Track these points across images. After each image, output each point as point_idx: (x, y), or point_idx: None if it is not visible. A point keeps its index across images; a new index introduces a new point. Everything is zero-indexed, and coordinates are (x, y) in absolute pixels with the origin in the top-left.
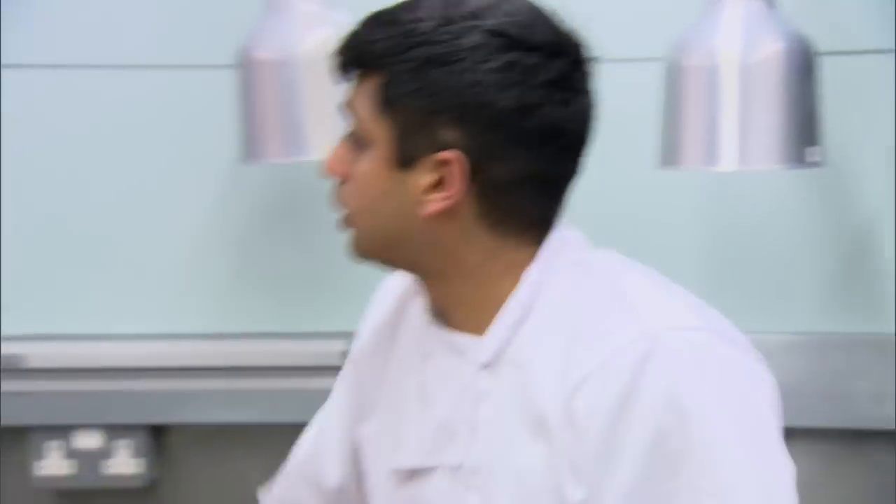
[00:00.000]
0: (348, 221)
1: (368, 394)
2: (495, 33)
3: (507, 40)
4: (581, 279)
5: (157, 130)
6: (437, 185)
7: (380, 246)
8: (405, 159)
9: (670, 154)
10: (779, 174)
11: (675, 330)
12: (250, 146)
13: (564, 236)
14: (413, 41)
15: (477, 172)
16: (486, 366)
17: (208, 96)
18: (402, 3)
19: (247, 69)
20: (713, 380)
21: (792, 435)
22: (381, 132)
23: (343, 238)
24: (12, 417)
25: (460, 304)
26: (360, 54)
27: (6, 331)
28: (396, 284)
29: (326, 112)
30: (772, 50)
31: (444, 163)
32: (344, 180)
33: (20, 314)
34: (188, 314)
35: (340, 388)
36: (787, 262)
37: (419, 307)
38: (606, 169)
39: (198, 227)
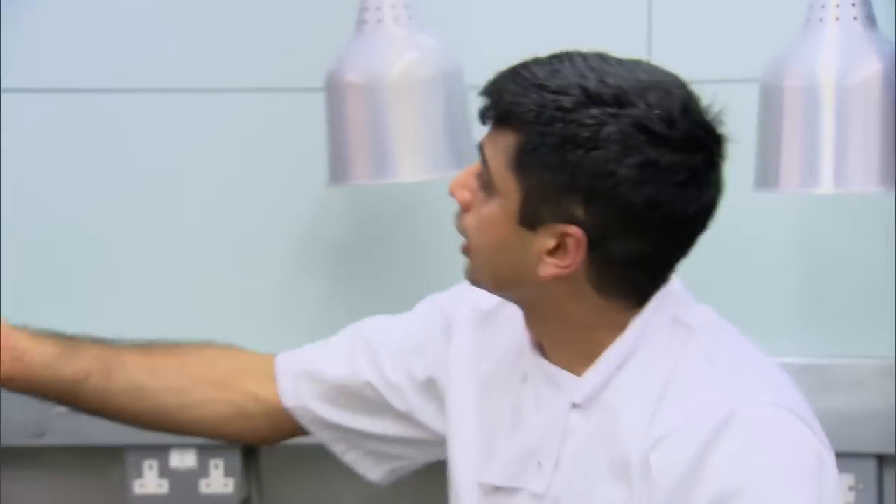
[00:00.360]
0: (467, 251)
1: (443, 362)
2: (638, 126)
3: (649, 136)
4: (678, 339)
5: (247, 153)
6: (556, 249)
7: (492, 283)
8: (530, 220)
9: (767, 176)
10: (877, 196)
11: (756, 404)
12: (338, 169)
13: (668, 292)
14: (556, 116)
15: (596, 247)
16: (578, 406)
17: (298, 119)
18: (549, 66)
19: (336, 92)
20: (781, 457)
21: (886, 462)
22: (510, 187)
23: (429, 258)
24: (110, 436)
25: (560, 345)
26: (501, 110)
27: None
28: None
29: (413, 135)
30: (871, 70)
31: (567, 234)
32: (466, 209)
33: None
34: (278, 335)
35: (413, 330)
36: (884, 286)
37: (521, 325)
38: None
39: (287, 250)
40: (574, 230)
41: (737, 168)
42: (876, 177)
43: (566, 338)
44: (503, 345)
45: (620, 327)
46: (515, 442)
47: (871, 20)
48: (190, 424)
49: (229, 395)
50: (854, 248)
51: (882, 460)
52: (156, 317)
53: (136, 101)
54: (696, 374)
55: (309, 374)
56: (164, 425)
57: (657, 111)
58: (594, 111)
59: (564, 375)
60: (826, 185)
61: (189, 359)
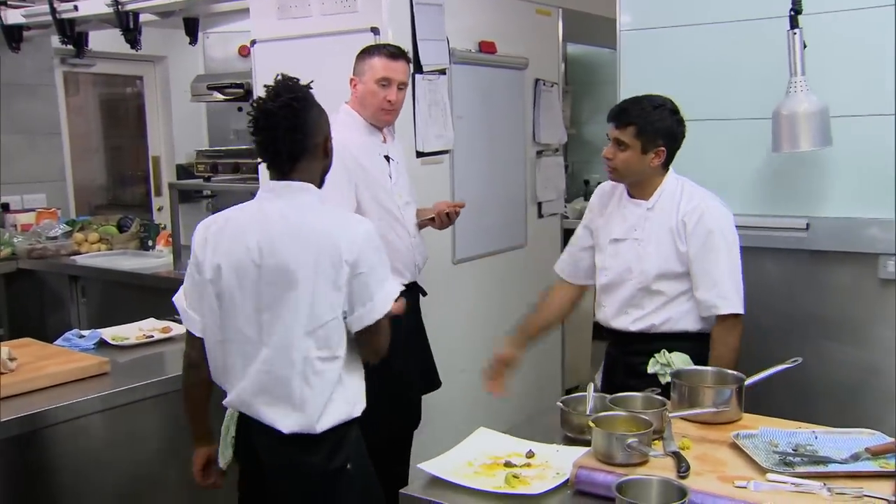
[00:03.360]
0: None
1: (596, 222)
2: (672, 110)
3: (674, 111)
4: (680, 182)
5: None
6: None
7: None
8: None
9: None
10: None
11: (718, 206)
12: None
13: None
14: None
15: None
16: (650, 209)
17: None
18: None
19: None
20: (726, 218)
21: None
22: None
23: None
24: None
25: (640, 191)
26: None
27: None
28: (606, 186)
29: None
30: None
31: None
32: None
33: None
34: None
35: (583, 228)
36: None
37: (621, 191)
38: None
39: None
40: (662, 147)
41: None
42: None
43: (644, 188)
44: (612, 203)
45: (662, 180)
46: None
47: None
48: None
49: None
50: None
51: None
52: None
53: None
54: (689, 192)
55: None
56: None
57: (672, 105)
58: (659, 108)
59: (640, 201)
60: None
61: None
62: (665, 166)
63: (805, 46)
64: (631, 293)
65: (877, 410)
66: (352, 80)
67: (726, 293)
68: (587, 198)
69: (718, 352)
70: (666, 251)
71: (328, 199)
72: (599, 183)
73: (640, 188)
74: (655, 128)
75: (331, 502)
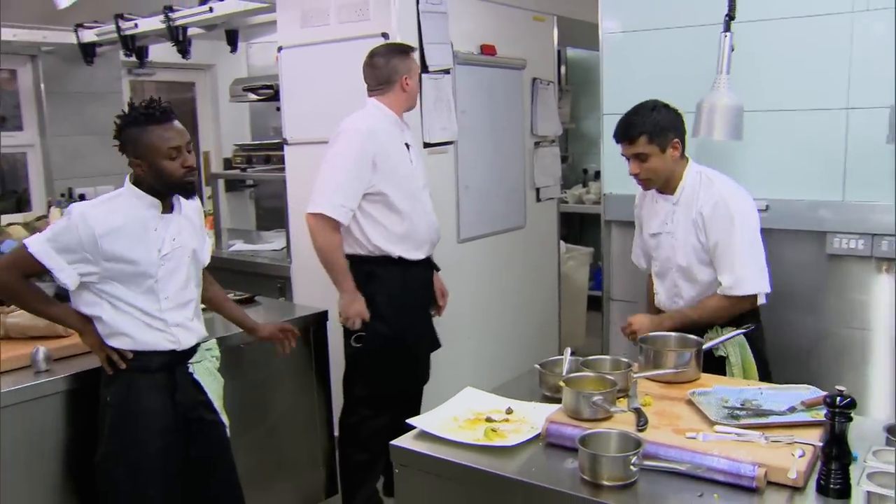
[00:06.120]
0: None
1: (640, 216)
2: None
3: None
4: (700, 174)
5: None
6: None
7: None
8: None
9: None
10: None
11: (733, 193)
12: None
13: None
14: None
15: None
16: (675, 203)
17: None
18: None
19: None
20: (744, 202)
21: None
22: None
23: None
24: None
25: (667, 187)
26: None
27: None
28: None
29: None
30: None
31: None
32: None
33: None
34: None
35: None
36: None
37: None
38: None
39: None
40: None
41: None
42: None
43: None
44: (647, 198)
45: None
46: (657, 219)
47: None
48: None
49: None
50: None
51: None
52: None
53: None
54: (707, 184)
55: None
56: None
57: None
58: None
59: (669, 196)
60: None
61: None
62: (682, 155)
63: (733, 49)
64: (673, 282)
65: (827, 368)
66: (405, 78)
67: (743, 276)
68: (585, 185)
69: (698, 305)
70: (692, 242)
71: (338, 182)
72: (597, 172)
73: (666, 184)
74: (662, 126)
75: None
